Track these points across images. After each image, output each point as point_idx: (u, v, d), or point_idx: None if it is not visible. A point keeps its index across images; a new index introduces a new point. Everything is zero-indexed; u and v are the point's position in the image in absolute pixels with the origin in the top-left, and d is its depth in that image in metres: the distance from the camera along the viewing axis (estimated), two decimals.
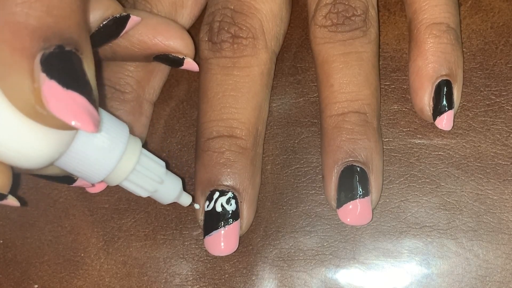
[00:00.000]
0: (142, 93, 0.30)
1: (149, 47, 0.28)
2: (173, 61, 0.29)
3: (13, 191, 0.23)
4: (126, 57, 0.29)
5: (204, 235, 0.28)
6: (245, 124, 0.28)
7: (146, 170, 0.25)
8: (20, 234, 0.31)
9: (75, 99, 0.19)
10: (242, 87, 0.29)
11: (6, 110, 0.19)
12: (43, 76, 0.18)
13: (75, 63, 0.19)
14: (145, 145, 0.31)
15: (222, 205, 0.28)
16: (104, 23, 0.26)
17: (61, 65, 0.19)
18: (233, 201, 0.28)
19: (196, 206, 0.28)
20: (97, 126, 0.19)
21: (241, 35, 0.29)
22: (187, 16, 0.31)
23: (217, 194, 0.28)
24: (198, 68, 0.29)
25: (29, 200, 0.31)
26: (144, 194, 0.26)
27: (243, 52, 0.29)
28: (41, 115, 0.19)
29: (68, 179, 0.27)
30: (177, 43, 0.28)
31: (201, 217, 0.29)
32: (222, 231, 0.28)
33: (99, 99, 0.21)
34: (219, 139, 0.28)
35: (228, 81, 0.29)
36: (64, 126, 0.20)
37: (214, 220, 0.28)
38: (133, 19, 0.27)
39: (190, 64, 0.29)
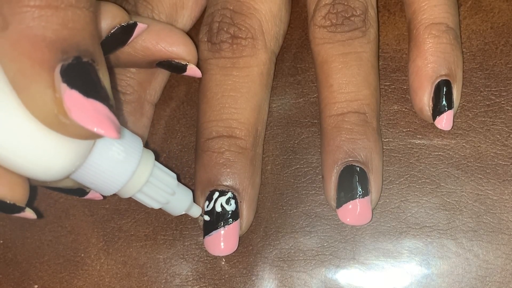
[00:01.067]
0: (143, 94, 0.30)
1: (152, 53, 0.28)
2: (176, 67, 0.29)
3: (30, 203, 0.23)
4: (129, 64, 0.29)
5: (204, 235, 0.28)
6: (245, 124, 0.28)
7: (158, 182, 0.25)
8: (20, 234, 0.31)
9: (96, 107, 0.19)
10: (242, 87, 0.29)
11: (26, 123, 0.20)
12: (64, 86, 0.19)
13: (92, 74, 0.20)
14: (145, 146, 0.31)
15: (221, 205, 0.28)
16: (112, 31, 0.26)
17: (80, 76, 0.19)
18: (232, 201, 0.28)
19: (206, 217, 0.28)
20: (119, 132, 0.20)
21: (240, 35, 0.29)
22: (187, 17, 0.31)
23: (216, 194, 0.28)
24: (201, 74, 0.29)
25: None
26: (156, 206, 0.26)
27: (242, 53, 0.29)
28: (63, 124, 0.19)
29: (80, 191, 0.27)
30: (180, 49, 0.28)
31: (200, 217, 0.29)
32: (222, 231, 0.28)
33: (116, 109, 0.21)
34: (219, 139, 0.28)
35: (227, 82, 0.29)
36: (85, 135, 0.20)
37: (213, 220, 0.28)
38: (140, 27, 0.27)
39: (193, 70, 0.29)
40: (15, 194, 0.22)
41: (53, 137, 0.20)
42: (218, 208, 0.28)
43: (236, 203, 0.28)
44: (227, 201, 0.28)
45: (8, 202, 0.22)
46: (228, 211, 0.28)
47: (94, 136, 0.20)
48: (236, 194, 0.28)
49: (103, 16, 0.26)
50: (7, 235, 0.31)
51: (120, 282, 0.30)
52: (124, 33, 0.27)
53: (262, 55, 0.29)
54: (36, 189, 0.30)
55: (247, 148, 0.28)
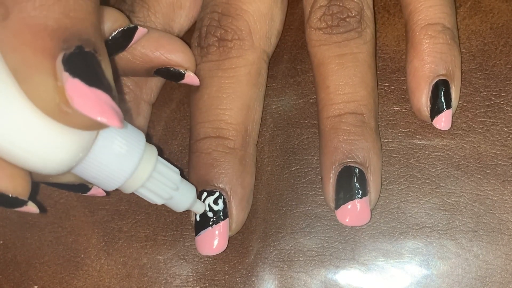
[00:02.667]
0: (139, 93, 0.31)
1: (151, 60, 0.28)
2: (174, 75, 0.29)
3: (32, 197, 0.23)
4: (128, 70, 0.29)
5: (195, 236, 0.28)
6: (232, 124, 0.29)
7: (162, 177, 0.25)
8: (20, 234, 0.31)
9: (99, 95, 0.19)
10: (227, 88, 0.29)
11: (27, 113, 0.20)
12: (66, 75, 0.19)
13: (94, 63, 0.20)
14: None
15: (209, 205, 0.28)
16: (112, 35, 0.27)
17: (82, 65, 0.19)
18: (220, 201, 0.28)
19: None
20: (122, 121, 0.20)
21: (226, 37, 0.29)
22: (185, 17, 0.31)
23: (205, 194, 0.28)
24: (199, 82, 0.29)
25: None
26: (159, 201, 0.26)
27: (228, 54, 0.29)
28: (65, 113, 0.19)
29: (82, 187, 0.27)
30: (178, 56, 0.29)
31: (192, 218, 0.29)
32: (209, 230, 0.28)
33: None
34: (206, 140, 0.29)
35: (212, 83, 0.29)
36: (88, 125, 0.20)
37: (202, 220, 0.28)
38: (140, 31, 0.27)
39: (191, 78, 0.29)
40: (17, 187, 0.22)
41: (55, 128, 0.20)
42: (206, 208, 0.28)
43: (224, 203, 0.28)
44: (215, 201, 0.28)
45: (10, 195, 0.22)
46: (216, 211, 0.28)
47: (97, 126, 0.20)
48: (224, 194, 0.28)
49: (104, 19, 0.26)
50: (7, 235, 0.31)
51: (120, 282, 0.30)
52: (125, 37, 0.27)
53: (250, 55, 0.29)
54: (38, 184, 0.30)
55: (235, 148, 0.29)
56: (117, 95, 0.21)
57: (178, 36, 0.32)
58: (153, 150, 0.25)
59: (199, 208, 0.28)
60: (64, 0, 0.20)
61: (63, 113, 0.19)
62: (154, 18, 0.30)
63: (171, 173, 0.26)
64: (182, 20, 0.31)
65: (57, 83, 0.19)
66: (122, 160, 0.23)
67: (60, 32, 0.19)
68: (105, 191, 0.28)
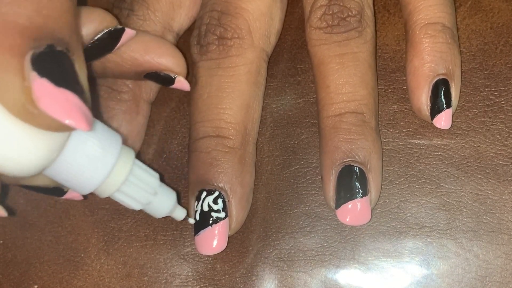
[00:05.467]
0: (139, 92, 0.30)
1: (141, 64, 0.28)
2: (164, 79, 0.29)
3: (1, 200, 0.23)
4: (117, 74, 0.29)
5: (194, 235, 0.28)
6: (232, 123, 0.29)
7: (139, 181, 0.25)
8: (20, 234, 0.31)
9: (68, 97, 0.19)
10: (227, 87, 0.29)
11: None
12: (33, 75, 0.18)
13: (66, 63, 0.19)
14: (145, 147, 0.31)
15: (208, 205, 0.28)
16: (98, 36, 0.26)
17: (52, 64, 0.19)
18: (219, 200, 0.28)
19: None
20: (90, 124, 0.19)
21: (226, 36, 0.29)
22: (184, 15, 0.31)
23: (204, 193, 0.28)
24: (189, 87, 0.29)
25: (29, 200, 0.31)
26: (136, 206, 0.25)
27: (228, 53, 0.29)
28: (32, 114, 0.19)
29: (58, 190, 0.27)
30: (168, 61, 0.28)
31: (192, 217, 0.29)
32: (209, 230, 0.28)
33: (93, 103, 0.20)
34: (206, 139, 0.28)
35: (212, 82, 0.29)
36: (55, 127, 0.19)
37: (202, 220, 0.28)
38: (128, 32, 0.27)
39: (181, 83, 0.29)
40: None
41: (24, 129, 0.19)
42: (205, 208, 0.28)
43: (223, 202, 0.28)
44: (214, 200, 0.28)
45: None
46: (215, 210, 0.28)
47: (65, 128, 0.19)
48: (223, 193, 0.28)
49: (90, 19, 0.26)
50: (7, 235, 0.31)
51: (120, 282, 0.30)
52: (111, 38, 0.27)
53: (250, 54, 0.29)
54: (7, 187, 0.29)
55: (235, 147, 0.29)
56: (91, 97, 0.20)
57: (177, 35, 0.32)
58: (130, 153, 0.24)
59: (179, 214, 0.27)
60: None
61: (30, 114, 0.19)
62: (153, 17, 0.30)
63: (149, 177, 0.25)
64: (182, 19, 0.31)
65: (24, 82, 0.18)
66: (96, 162, 0.22)
67: (30, 30, 0.19)
68: (83, 196, 0.28)
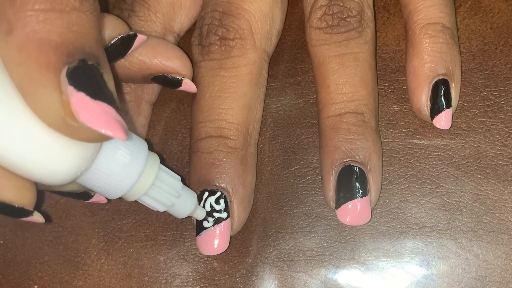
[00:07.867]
0: (140, 93, 0.31)
1: (148, 67, 0.28)
2: (171, 82, 0.29)
3: (37, 207, 0.23)
4: (125, 77, 0.29)
5: (196, 235, 0.28)
6: (233, 124, 0.29)
7: (164, 185, 0.25)
8: (20, 234, 0.31)
9: (104, 108, 0.19)
10: (229, 87, 0.29)
11: (33, 127, 0.20)
12: (70, 89, 0.19)
13: (98, 76, 0.20)
14: None
15: (211, 205, 0.28)
16: (112, 42, 0.27)
17: (86, 78, 0.19)
18: (222, 201, 0.28)
19: (200, 215, 0.28)
20: (127, 134, 0.20)
21: (228, 36, 0.29)
22: (185, 16, 0.31)
23: (206, 194, 0.28)
24: (196, 89, 0.29)
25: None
26: (162, 208, 0.26)
27: (230, 53, 0.29)
28: (71, 127, 0.19)
29: (85, 195, 0.27)
30: (176, 63, 0.29)
31: (193, 218, 0.29)
32: (211, 230, 0.28)
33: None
34: (208, 139, 0.29)
35: (214, 83, 0.29)
36: (94, 137, 0.20)
37: (204, 220, 0.28)
38: (140, 38, 0.28)
39: (188, 85, 0.29)
40: (23, 198, 0.22)
41: (60, 140, 0.20)
42: (208, 208, 0.28)
43: (225, 202, 0.28)
44: (217, 201, 0.28)
45: (16, 206, 0.22)
46: (218, 211, 0.28)
47: (103, 138, 0.20)
48: (225, 194, 0.28)
49: (104, 26, 0.26)
50: (7, 235, 0.31)
51: (120, 282, 0.30)
52: (124, 44, 0.27)
53: (251, 54, 0.29)
54: (43, 193, 0.30)
55: (236, 147, 0.29)
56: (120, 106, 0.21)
57: (178, 36, 0.32)
58: (156, 159, 0.25)
59: (200, 214, 0.28)
60: (67, 14, 0.20)
61: (69, 127, 0.19)
62: (154, 18, 0.30)
63: (173, 180, 0.26)
64: (183, 20, 0.31)
65: (62, 97, 0.19)
66: (126, 169, 0.23)
67: (64, 46, 0.19)
68: (107, 199, 0.28)
